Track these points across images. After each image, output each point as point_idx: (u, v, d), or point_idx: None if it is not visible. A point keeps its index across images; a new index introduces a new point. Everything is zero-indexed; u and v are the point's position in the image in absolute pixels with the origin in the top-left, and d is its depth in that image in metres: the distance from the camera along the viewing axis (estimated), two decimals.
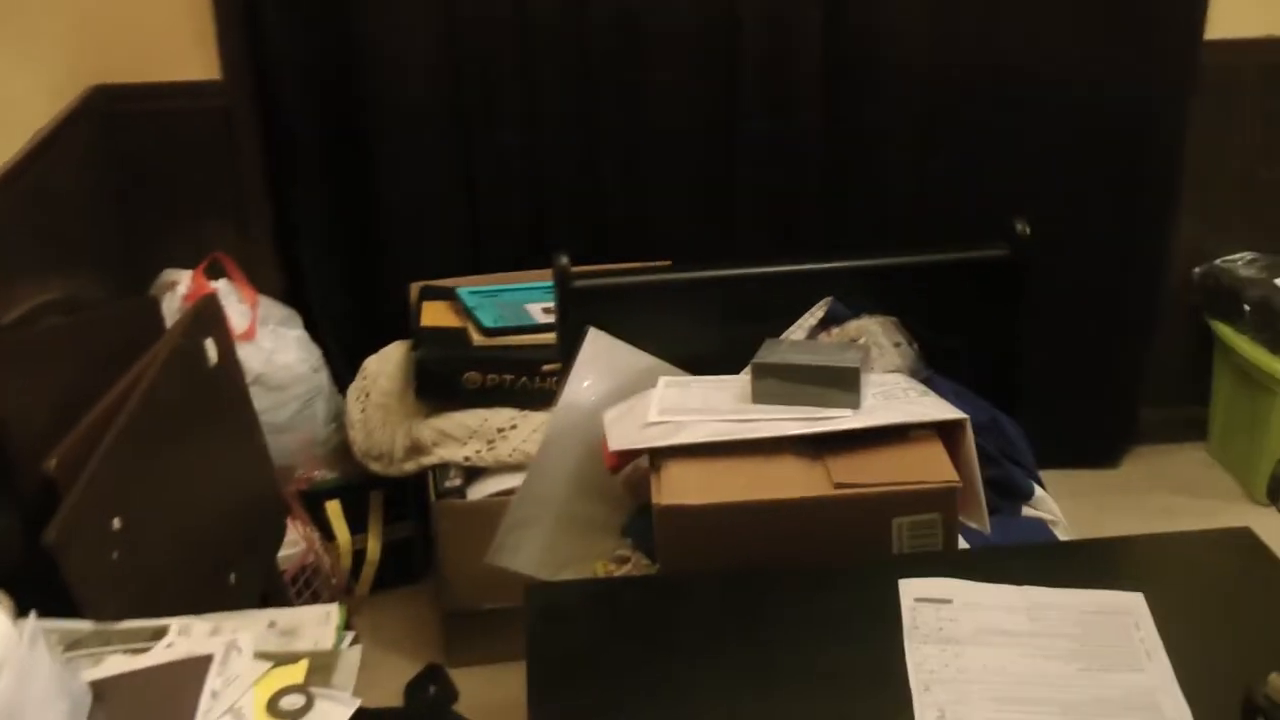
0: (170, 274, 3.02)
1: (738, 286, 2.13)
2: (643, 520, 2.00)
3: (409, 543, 3.10)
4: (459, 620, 2.84)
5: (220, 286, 2.98)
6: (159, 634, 1.55)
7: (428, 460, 2.76)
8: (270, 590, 2.41)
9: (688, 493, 1.73)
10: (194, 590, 2.00)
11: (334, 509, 2.99)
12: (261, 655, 1.47)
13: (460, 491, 2.72)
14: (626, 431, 1.86)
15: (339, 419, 3.06)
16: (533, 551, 2.05)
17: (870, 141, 3.17)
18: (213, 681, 1.41)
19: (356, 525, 3.03)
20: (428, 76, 3.05)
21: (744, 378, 1.96)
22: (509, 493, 2.68)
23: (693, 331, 2.07)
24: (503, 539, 2.05)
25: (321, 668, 1.46)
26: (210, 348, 2.19)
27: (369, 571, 3.03)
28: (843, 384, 1.86)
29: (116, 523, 1.79)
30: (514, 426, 2.74)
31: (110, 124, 2.97)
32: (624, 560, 2.02)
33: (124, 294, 2.95)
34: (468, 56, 3.03)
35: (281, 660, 1.46)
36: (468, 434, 2.73)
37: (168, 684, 1.43)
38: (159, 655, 1.50)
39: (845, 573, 1.68)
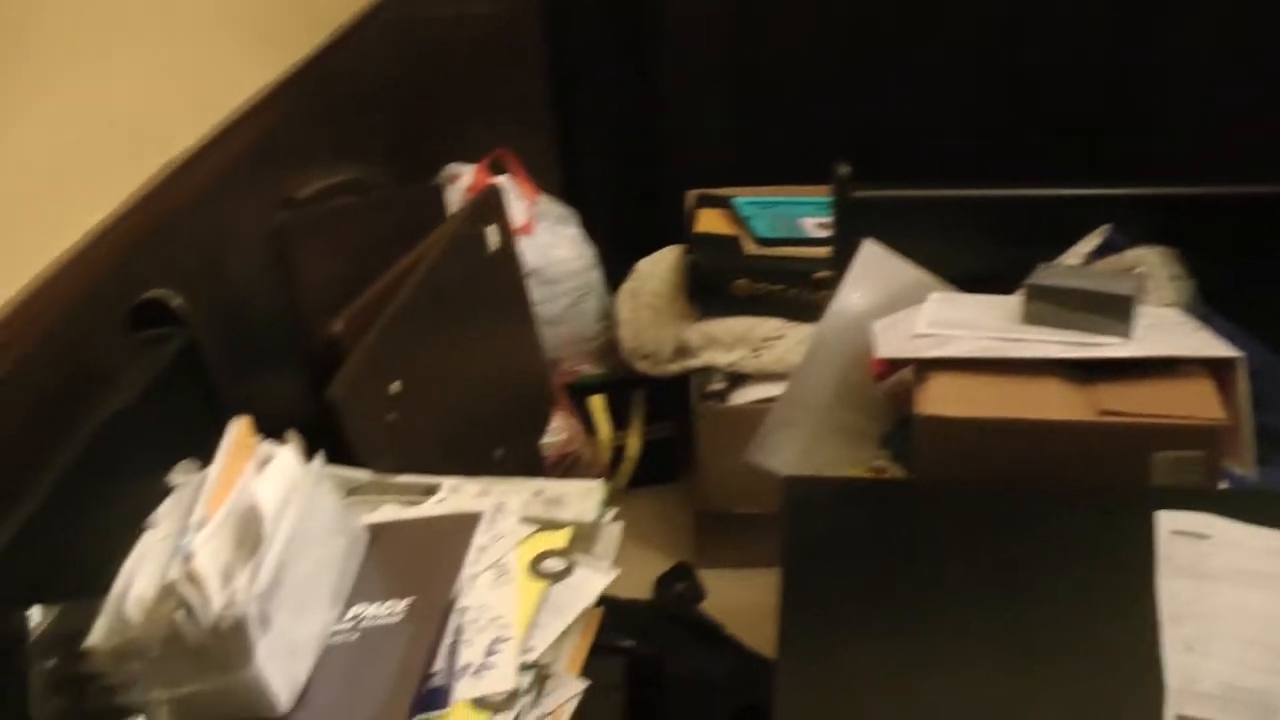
0: (453, 167, 3.11)
1: (1015, 208, 2.10)
2: (903, 432, 2.01)
3: (668, 443, 3.15)
4: (711, 521, 2.89)
5: (502, 182, 3.07)
6: (431, 490, 1.62)
7: (693, 363, 2.81)
8: (532, 473, 2.49)
9: (950, 404, 1.74)
10: (461, 460, 2.07)
11: (598, 403, 3.07)
12: (527, 520, 1.54)
13: (723, 396, 2.76)
14: (894, 341, 1.87)
15: (608, 317, 3.12)
16: (791, 454, 2.07)
17: (1159, 65, 3.06)
18: (481, 537, 1.48)
19: (618, 421, 3.10)
20: None
21: (1015, 298, 1.95)
22: (771, 400, 2.71)
23: (966, 250, 2.07)
24: (763, 438, 2.09)
25: (583, 538, 1.51)
26: (491, 235, 2.27)
27: (627, 467, 3.09)
28: (1116, 312, 1.84)
29: (395, 387, 1.88)
30: (780, 336, 2.76)
31: (404, 22, 3.06)
32: (881, 471, 2.03)
33: (408, 184, 3.06)
34: None
35: (546, 526, 1.52)
36: (734, 340, 2.77)
37: (438, 534, 1.50)
38: (430, 509, 1.58)
39: (1100, 498, 1.66)
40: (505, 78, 3.17)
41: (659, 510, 3.11)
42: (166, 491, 1.47)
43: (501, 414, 2.28)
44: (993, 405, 1.74)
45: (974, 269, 2.05)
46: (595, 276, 3.12)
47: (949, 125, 3.15)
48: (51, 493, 1.35)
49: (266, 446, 1.47)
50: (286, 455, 1.44)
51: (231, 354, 1.99)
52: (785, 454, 2.08)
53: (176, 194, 1.84)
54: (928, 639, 1.45)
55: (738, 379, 2.80)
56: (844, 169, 2.02)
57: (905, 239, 2.04)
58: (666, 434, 3.15)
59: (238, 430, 1.45)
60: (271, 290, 2.09)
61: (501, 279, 2.34)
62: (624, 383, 3.09)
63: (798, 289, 2.76)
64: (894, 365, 1.88)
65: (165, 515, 1.42)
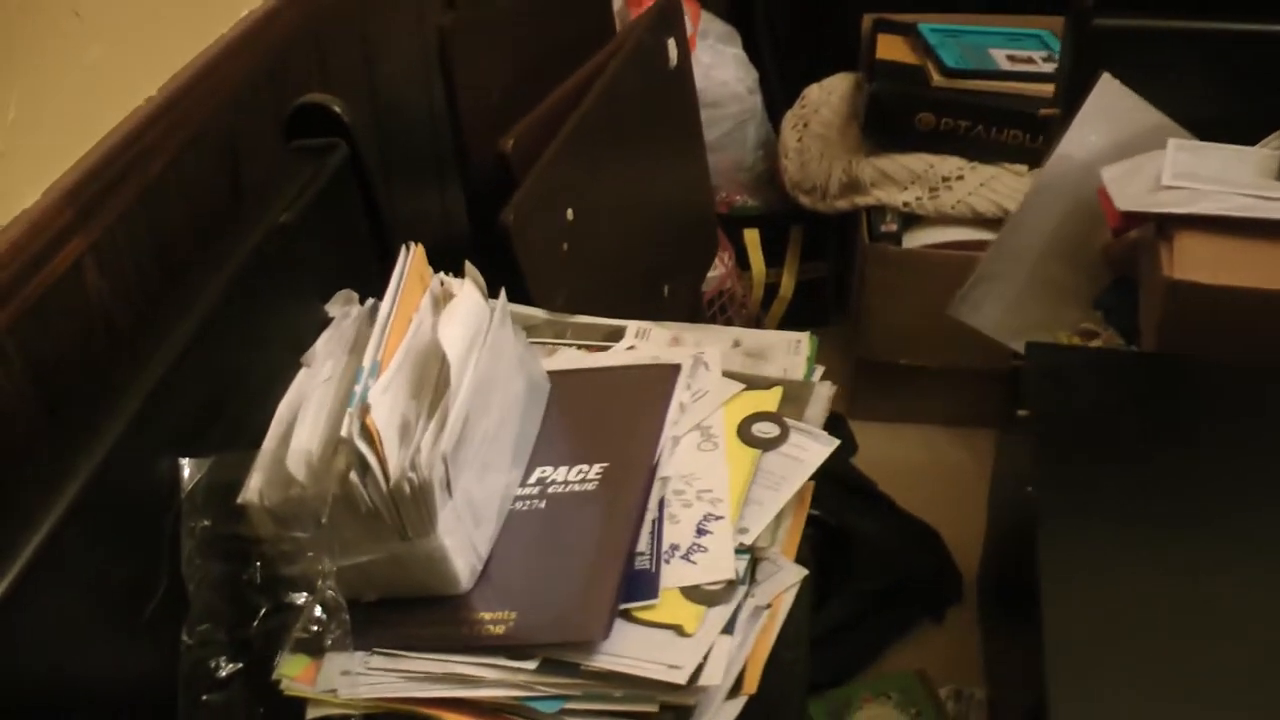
0: None
1: (1268, 44, 1.85)
2: (1118, 294, 1.81)
3: (821, 284, 2.96)
4: (869, 371, 2.70)
5: None
6: (615, 335, 1.44)
7: (863, 200, 2.59)
8: (694, 311, 2.32)
9: (1207, 269, 1.53)
10: (631, 296, 1.91)
11: (752, 238, 2.87)
12: (729, 375, 1.35)
13: (896, 237, 2.54)
14: (1135, 192, 1.66)
15: (766, 146, 2.91)
16: (995, 310, 1.88)
17: None
18: (681, 393, 1.29)
19: (771, 258, 2.90)
20: None
21: (1267, 151, 1.74)
22: (947, 245, 2.51)
23: (1210, 91, 1.83)
24: (967, 292, 1.89)
25: (793, 398, 1.32)
26: (671, 48, 2.05)
27: (779, 308, 2.91)
28: None
29: (569, 214, 1.69)
30: (960, 177, 2.53)
31: None
32: (1091, 334, 1.84)
33: None
34: None
35: (752, 384, 1.33)
36: (910, 178, 2.55)
37: (632, 388, 1.31)
38: (619, 357, 1.39)
39: None
40: None
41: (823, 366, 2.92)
42: (324, 323, 1.31)
43: (671, 246, 2.09)
44: (1251, 273, 1.54)
45: (1219, 114, 1.81)
46: (757, 101, 2.90)
47: None
48: (206, 321, 1.18)
49: (442, 280, 1.29)
50: (470, 291, 1.26)
51: (385, 169, 1.82)
52: (990, 309, 1.88)
53: None
54: (1194, 533, 1.31)
55: (909, 220, 2.59)
56: None
57: (1144, 75, 1.81)
58: (820, 275, 2.96)
59: (412, 259, 1.27)
60: (429, 100, 1.90)
61: (678, 99, 2.12)
62: (780, 217, 2.88)
63: (983, 127, 2.53)
64: (1133, 219, 1.66)
65: (323, 351, 1.27)
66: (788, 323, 2.93)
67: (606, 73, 1.82)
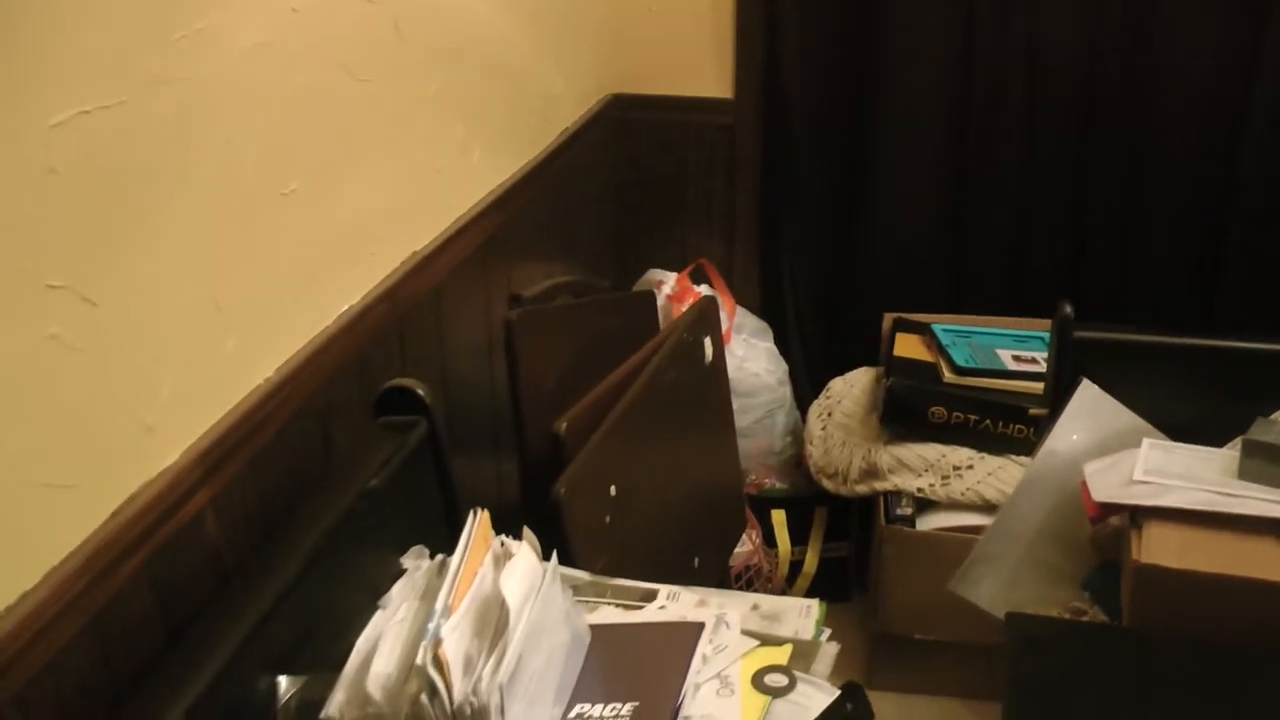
0: (656, 273, 3.17)
1: (1233, 359, 2.09)
2: (1104, 576, 2.00)
3: (843, 562, 3.16)
4: (886, 644, 2.87)
5: (702, 291, 3.12)
6: (649, 596, 1.65)
7: (881, 485, 2.81)
8: (721, 582, 2.52)
9: (1170, 555, 1.73)
10: (664, 565, 2.11)
11: (779, 518, 3.08)
12: (747, 633, 1.56)
13: (910, 520, 2.76)
14: (1110, 485, 1.87)
15: (795, 433, 3.15)
16: (991, 587, 2.07)
17: None
18: (704, 647, 1.50)
19: (796, 537, 3.11)
20: (931, 116, 3.10)
21: (1230, 452, 1.95)
22: (957, 529, 2.72)
23: (1182, 398, 2.06)
24: (966, 569, 2.09)
25: (802, 655, 1.54)
26: (708, 345, 2.31)
27: (803, 583, 3.10)
28: None
29: (613, 489, 1.92)
30: (970, 466, 2.76)
31: (623, 129, 3.16)
32: (1080, 613, 2.03)
33: (613, 285, 3.14)
34: (973, 95, 3.06)
35: (766, 641, 1.54)
36: (924, 466, 2.77)
37: (662, 641, 1.53)
38: (652, 614, 1.61)
39: None
40: (713, 190, 3.24)
41: (831, 629, 3.09)
42: (398, 573, 1.52)
43: (702, 522, 2.31)
44: (1213, 560, 1.73)
45: (1188, 418, 2.04)
46: (786, 392, 3.15)
47: (1152, 268, 3.13)
48: (304, 565, 1.40)
49: (502, 541, 1.52)
50: (527, 552, 1.48)
51: (451, 440, 2.06)
52: (986, 587, 2.08)
53: (415, 287, 1.92)
54: None
55: (924, 504, 2.80)
56: (1066, 307, 2.02)
57: (1121, 382, 2.04)
58: (842, 554, 3.16)
59: (479, 523, 1.50)
60: (492, 382, 2.15)
61: (712, 390, 2.38)
62: (806, 499, 3.10)
63: (990, 421, 2.76)
64: (1110, 508, 1.88)
65: (398, 597, 1.48)
66: (811, 597, 3.12)
67: (649, 367, 2.07)
